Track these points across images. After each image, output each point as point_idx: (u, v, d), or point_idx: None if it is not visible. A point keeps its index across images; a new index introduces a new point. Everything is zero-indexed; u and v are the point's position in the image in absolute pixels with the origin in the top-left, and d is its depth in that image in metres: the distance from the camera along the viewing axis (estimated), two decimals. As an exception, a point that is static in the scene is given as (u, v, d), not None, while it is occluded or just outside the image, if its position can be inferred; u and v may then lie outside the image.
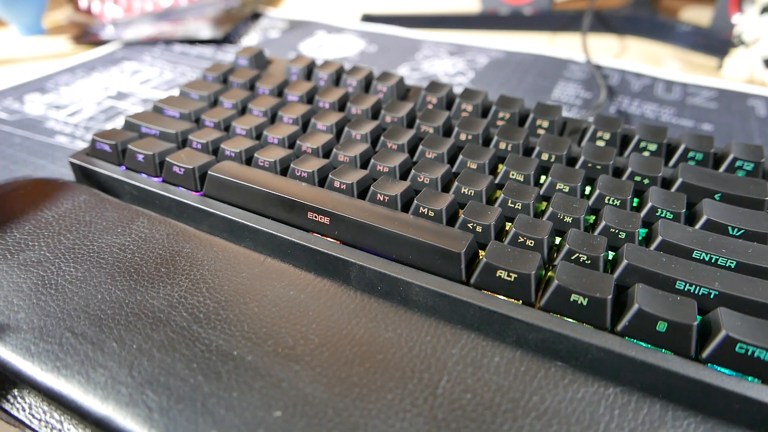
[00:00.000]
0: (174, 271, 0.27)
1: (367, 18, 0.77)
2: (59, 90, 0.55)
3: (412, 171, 0.32)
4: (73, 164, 0.37)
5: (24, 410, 0.24)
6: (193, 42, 0.68)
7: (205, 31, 0.68)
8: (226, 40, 0.69)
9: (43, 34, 0.71)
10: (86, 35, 0.69)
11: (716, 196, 0.31)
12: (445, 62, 0.63)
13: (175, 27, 0.70)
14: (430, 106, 0.40)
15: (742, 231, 0.28)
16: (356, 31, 0.73)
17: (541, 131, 0.37)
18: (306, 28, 0.74)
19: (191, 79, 0.57)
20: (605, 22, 0.72)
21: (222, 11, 0.74)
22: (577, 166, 0.33)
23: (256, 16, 0.78)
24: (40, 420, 0.24)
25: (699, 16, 0.75)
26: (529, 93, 0.55)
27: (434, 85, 0.41)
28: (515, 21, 0.74)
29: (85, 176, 0.37)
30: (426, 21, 0.76)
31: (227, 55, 0.65)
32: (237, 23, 0.73)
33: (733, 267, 0.26)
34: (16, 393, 0.24)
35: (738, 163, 0.33)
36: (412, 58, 0.64)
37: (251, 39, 0.70)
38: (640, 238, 0.28)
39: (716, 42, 0.65)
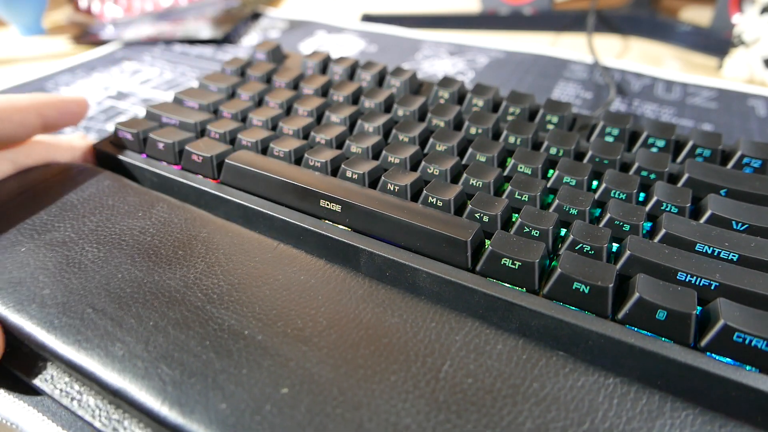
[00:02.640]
0: (191, 254, 0.28)
1: (367, 18, 0.77)
2: (59, 90, 0.55)
3: (423, 162, 0.33)
4: (96, 151, 0.38)
5: (47, 381, 0.25)
6: (193, 42, 0.68)
7: (205, 31, 0.68)
8: (226, 40, 0.69)
9: (43, 34, 0.71)
10: (86, 35, 0.69)
11: (722, 192, 0.31)
12: (445, 62, 0.64)
13: (175, 27, 0.70)
14: (441, 101, 0.41)
15: (747, 226, 0.28)
16: (356, 31, 0.73)
17: (550, 126, 0.38)
18: (306, 28, 0.74)
19: (191, 79, 0.57)
20: (605, 22, 0.73)
21: (222, 11, 0.74)
22: (585, 160, 0.34)
23: (256, 16, 0.78)
24: (61, 390, 0.24)
25: (699, 16, 0.75)
26: (529, 93, 0.55)
27: (446, 81, 0.42)
28: (515, 21, 0.75)
29: (108, 163, 0.38)
30: (426, 21, 0.76)
31: (227, 55, 0.65)
32: (237, 23, 0.73)
33: (735, 260, 0.27)
34: (40, 365, 0.25)
35: (745, 160, 0.33)
36: (412, 58, 0.65)
37: (251, 39, 0.70)
38: (644, 231, 0.28)
39: (716, 42, 0.65)
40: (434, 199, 0.30)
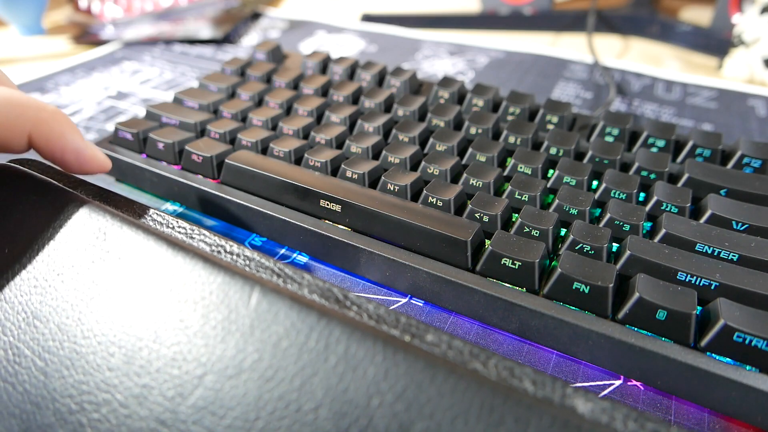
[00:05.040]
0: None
1: (367, 18, 0.77)
2: (59, 90, 0.55)
3: (423, 162, 0.33)
4: None
5: None
6: (193, 42, 0.68)
7: (205, 31, 0.68)
8: (226, 40, 0.69)
9: (43, 34, 0.71)
10: (86, 35, 0.69)
11: (722, 192, 0.31)
12: (445, 62, 0.64)
13: (175, 27, 0.70)
14: (441, 101, 0.41)
15: (747, 226, 0.28)
16: (356, 31, 0.73)
17: (550, 126, 0.38)
18: (306, 28, 0.74)
19: (191, 79, 0.57)
20: (605, 22, 0.73)
21: (222, 11, 0.74)
22: (585, 160, 0.34)
23: (256, 16, 0.78)
24: None
25: (699, 16, 0.75)
26: (529, 93, 0.55)
27: (446, 81, 0.42)
28: (515, 21, 0.75)
29: None
30: (426, 21, 0.76)
31: (227, 55, 0.65)
32: (237, 23, 0.73)
33: (735, 260, 0.26)
34: None
35: (745, 160, 0.33)
36: (412, 58, 0.65)
37: (251, 39, 0.70)
38: (644, 231, 0.28)
39: (716, 42, 0.65)
40: (434, 199, 0.30)
